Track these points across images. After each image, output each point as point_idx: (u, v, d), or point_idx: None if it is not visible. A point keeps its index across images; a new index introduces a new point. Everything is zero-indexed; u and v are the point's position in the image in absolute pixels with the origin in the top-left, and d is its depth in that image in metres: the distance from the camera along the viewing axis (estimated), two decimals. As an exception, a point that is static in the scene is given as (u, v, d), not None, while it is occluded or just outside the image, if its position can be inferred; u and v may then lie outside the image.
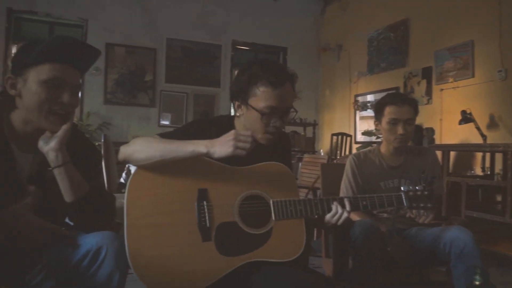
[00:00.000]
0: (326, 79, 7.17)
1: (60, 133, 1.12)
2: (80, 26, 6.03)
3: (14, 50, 5.79)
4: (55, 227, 1.12)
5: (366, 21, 6.10)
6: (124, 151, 1.26)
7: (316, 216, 1.37)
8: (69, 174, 1.13)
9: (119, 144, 4.00)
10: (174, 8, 6.38)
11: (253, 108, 1.30)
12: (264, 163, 1.36)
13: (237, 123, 1.42)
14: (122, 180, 4.70)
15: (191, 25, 6.50)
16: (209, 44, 6.61)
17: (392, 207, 1.48)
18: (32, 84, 1.11)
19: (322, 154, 6.41)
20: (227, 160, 1.31)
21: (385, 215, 1.90)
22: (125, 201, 1.18)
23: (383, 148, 1.99)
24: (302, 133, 6.58)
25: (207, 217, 1.24)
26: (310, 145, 6.52)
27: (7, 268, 1.07)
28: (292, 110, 1.35)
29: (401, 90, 5.32)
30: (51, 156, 1.11)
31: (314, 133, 6.77)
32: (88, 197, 1.16)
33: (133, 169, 4.45)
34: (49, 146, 1.11)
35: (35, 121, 1.14)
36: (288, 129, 6.36)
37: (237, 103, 1.37)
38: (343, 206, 1.36)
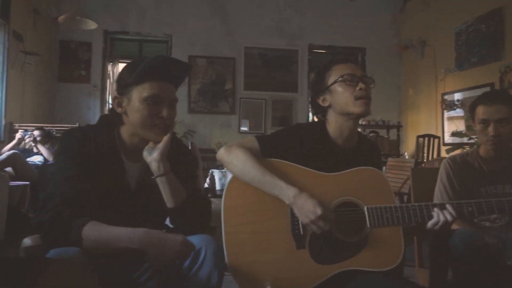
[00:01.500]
0: (408, 78, 6.81)
1: (161, 145, 1.22)
2: (165, 41, 6.47)
3: (109, 68, 6.39)
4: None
5: (453, 14, 5.68)
6: (223, 156, 1.35)
7: (414, 224, 1.31)
8: (170, 182, 1.22)
9: (203, 150, 4.16)
10: (251, 17, 6.55)
11: (334, 82, 1.36)
12: (356, 168, 1.33)
13: (329, 127, 1.42)
14: (206, 185, 4.93)
15: (268, 32, 6.61)
16: (286, 50, 6.67)
17: (502, 213, 1.36)
18: (135, 102, 1.22)
19: (407, 157, 6.09)
20: (319, 166, 1.32)
21: (487, 223, 1.75)
22: (222, 209, 1.25)
23: (482, 151, 1.83)
24: (385, 136, 6.31)
25: (300, 225, 1.25)
26: (394, 148, 6.22)
27: (120, 265, 1.18)
28: (370, 78, 1.39)
29: (497, 86, 4.86)
30: (154, 166, 1.21)
31: (398, 135, 6.45)
32: (186, 203, 1.24)
33: (216, 175, 4.63)
34: (152, 157, 1.21)
35: (140, 134, 1.25)
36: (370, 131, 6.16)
37: (322, 97, 1.41)
38: (445, 213, 1.28)
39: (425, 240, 1.74)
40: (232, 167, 1.32)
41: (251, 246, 1.23)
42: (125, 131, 1.28)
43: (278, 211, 1.27)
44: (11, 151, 4.11)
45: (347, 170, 1.33)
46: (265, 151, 1.36)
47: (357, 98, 1.33)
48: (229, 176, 1.36)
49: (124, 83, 1.24)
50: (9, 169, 3.86)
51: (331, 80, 1.38)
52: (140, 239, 1.06)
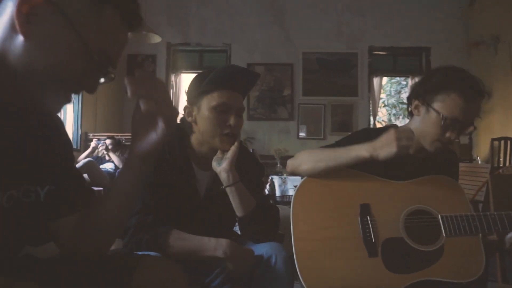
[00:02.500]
0: (480, 77, 6.21)
1: (230, 154, 1.24)
2: (224, 50, 6.63)
3: (172, 78, 6.68)
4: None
5: (531, 5, 5.22)
6: (291, 163, 1.34)
7: (494, 234, 1.21)
8: (239, 191, 1.24)
9: (262, 157, 4.20)
10: (309, 22, 6.51)
11: (436, 111, 1.24)
12: (428, 176, 1.28)
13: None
14: (266, 191, 4.95)
15: (326, 36, 6.53)
16: (345, 53, 6.53)
17: None
18: (204, 111, 1.25)
19: (479, 162, 5.67)
20: (390, 175, 1.27)
21: None
22: (291, 216, 1.25)
23: None
24: (456, 140, 5.91)
25: (372, 232, 1.21)
26: (466, 153, 5.82)
27: (191, 270, 1.21)
28: (472, 126, 1.27)
29: None
30: (224, 176, 1.23)
31: (470, 138, 6.02)
32: (255, 211, 1.25)
33: (276, 181, 4.65)
34: (221, 167, 1.23)
35: (209, 142, 1.28)
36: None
37: (416, 102, 1.31)
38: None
39: (510, 253, 1.60)
40: (304, 166, 1.30)
41: (321, 253, 1.21)
42: (195, 140, 1.32)
43: (348, 218, 1.24)
44: (87, 159, 4.44)
45: (419, 178, 1.28)
46: None
47: (439, 140, 1.29)
48: (289, 182, 1.36)
49: (194, 93, 1.28)
50: (85, 175, 4.16)
51: (437, 105, 1.25)
52: (225, 249, 1.11)
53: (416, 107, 1.31)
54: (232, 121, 1.24)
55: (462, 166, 4.06)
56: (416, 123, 1.31)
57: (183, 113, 1.33)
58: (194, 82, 1.32)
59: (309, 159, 1.29)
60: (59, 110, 0.79)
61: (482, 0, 6.30)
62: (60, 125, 0.89)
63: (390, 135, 1.15)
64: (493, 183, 1.93)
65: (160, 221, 1.15)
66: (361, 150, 1.20)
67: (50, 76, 0.68)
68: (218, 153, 1.28)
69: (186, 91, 1.35)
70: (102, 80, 0.76)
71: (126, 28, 0.74)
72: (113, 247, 1.23)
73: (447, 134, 1.24)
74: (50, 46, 0.67)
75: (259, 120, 6.49)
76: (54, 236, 0.86)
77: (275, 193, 4.97)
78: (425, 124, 1.28)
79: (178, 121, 1.37)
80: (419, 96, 1.29)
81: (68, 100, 0.75)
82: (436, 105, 1.24)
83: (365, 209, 1.24)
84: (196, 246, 1.12)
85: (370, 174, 1.30)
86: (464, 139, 6.01)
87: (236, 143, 1.26)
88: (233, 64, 1.29)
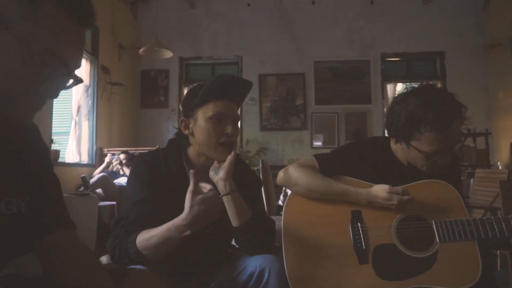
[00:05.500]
0: (497, 79, 6.19)
1: (226, 164, 1.24)
2: (236, 62, 6.69)
3: (185, 92, 6.77)
4: None
5: (546, 5, 5.08)
6: (284, 179, 1.36)
7: (491, 238, 1.16)
8: (236, 200, 1.23)
9: (276, 167, 4.19)
10: (320, 32, 6.51)
11: (417, 149, 1.22)
12: (421, 181, 1.24)
13: (392, 143, 1.33)
14: (280, 202, 4.91)
15: (337, 44, 6.51)
16: (357, 61, 6.49)
17: None
18: (201, 122, 1.26)
19: (500, 167, 5.48)
20: (382, 180, 1.24)
21: None
22: (282, 224, 1.23)
23: None
24: (472, 145, 5.75)
25: (362, 239, 1.18)
26: (484, 158, 5.64)
27: (188, 283, 1.21)
28: (460, 142, 1.24)
29: None
30: (221, 185, 1.23)
31: (486, 143, 5.85)
32: (251, 222, 1.24)
33: (290, 192, 4.54)
34: (218, 176, 1.24)
35: (206, 153, 1.29)
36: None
37: (393, 140, 1.31)
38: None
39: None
40: (298, 188, 1.32)
41: (312, 261, 1.19)
42: (192, 152, 1.33)
43: (339, 225, 1.22)
44: (101, 174, 4.52)
45: (412, 183, 1.25)
46: (325, 169, 1.33)
47: (433, 167, 1.29)
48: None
49: (189, 106, 1.29)
50: (99, 190, 4.23)
51: (415, 143, 1.23)
52: (187, 225, 1.09)
53: (397, 142, 1.29)
54: (229, 129, 1.25)
55: (479, 172, 3.93)
56: (405, 152, 1.30)
57: (179, 126, 1.35)
58: (189, 95, 1.33)
59: (304, 184, 1.30)
60: (31, 117, 0.76)
61: (496, 2, 6.17)
62: (35, 131, 0.88)
63: (383, 187, 1.19)
64: (503, 190, 1.87)
65: (134, 230, 1.15)
66: (359, 198, 1.23)
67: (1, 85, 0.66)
68: (215, 163, 1.28)
69: (181, 105, 1.37)
70: (69, 83, 0.73)
71: (76, 24, 0.70)
72: (106, 261, 1.25)
73: (438, 162, 1.22)
74: None
75: (272, 130, 6.49)
76: (37, 252, 0.86)
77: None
78: (411, 156, 1.27)
79: (175, 135, 1.38)
80: (395, 136, 1.28)
81: (37, 108, 0.73)
82: (414, 143, 1.22)
83: (356, 216, 1.22)
84: (164, 237, 1.10)
85: (362, 179, 1.28)
86: (480, 144, 5.84)
87: (232, 153, 1.26)
88: (226, 74, 1.29)
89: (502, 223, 1.14)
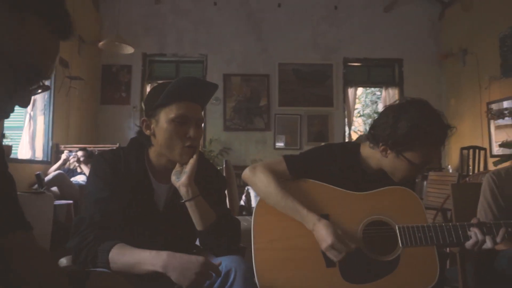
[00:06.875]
0: (450, 87, 6.55)
1: (188, 168, 1.22)
2: (201, 61, 6.63)
3: (148, 89, 6.61)
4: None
5: (496, 19, 5.43)
6: (248, 178, 1.37)
7: (449, 244, 1.23)
8: (199, 206, 1.23)
9: (239, 167, 4.18)
10: (286, 34, 6.59)
11: (408, 160, 1.27)
12: (386, 187, 1.30)
13: (363, 149, 1.38)
14: (242, 202, 4.92)
15: (302, 48, 6.62)
16: (320, 64, 6.63)
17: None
18: (163, 123, 1.23)
19: (450, 171, 5.80)
20: (349, 186, 1.29)
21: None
22: (252, 226, 1.24)
23: (530, 164, 1.71)
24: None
25: (329, 243, 1.22)
26: (436, 162, 5.96)
27: (152, 285, 1.19)
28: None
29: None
30: (183, 191, 1.22)
31: (439, 147, 6.17)
32: (215, 225, 1.24)
33: (252, 192, 4.59)
34: (180, 182, 1.22)
35: (167, 155, 1.26)
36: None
37: (383, 147, 1.31)
38: (484, 233, 1.19)
39: (469, 260, 1.63)
40: (257, 189, 1.34)
41: (280, 263, 1.21)
42: (153, 153, 1.30)
43: (307, 229, 1.24)
44: (57, 172, 4.32)
45: (377, 189, 1.30)
46: (294, 171, 1.35)
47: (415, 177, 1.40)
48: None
49: (152, 106, 1.26)
50: (54, 188, 4.05)
51: (408, 154, 1.28)
52: (163, 262, 1.06)
53: (384, 150, 1.31)
54: (192, 132, 1.23)
55: (432, 175, 4.14)
56: (384, 160, 1.33)
57: (140, 126, 1.32)
58: (151, 94, 1.30)
59: (262, 188, 1.33)
60: None
61: (450, 14, 6.53)
62: None
63: (325, 241, 1.18)
64: (454, 192, 1.97)
65: (105, 237, 1.12)
66: (307, 222, 1.24)
67: None
68: (177, 166, 1.26)
69: (143, 104, 1.34)
70: (38, 91, 0.72)
71: (55, 36, 0.69)
72: (66, 263, 1.21)
73: (420, 173, 1.28)
74: None
75: (236, 130, 6.49)
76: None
77: (251, 204, 4.94)
78: (394, 165, 1.31)
79: (136, 134, 1.35)
80: (386, 143, 1.29)
81: (5, 116, 0.71)
82: (408, 154, 1.26)
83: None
84: (135, 261, 1.07)
85: (330, 184, 1.31)
86: (435, 149, 6.14)
87: (195, 156, 1.25)
88: (190, 76, 1.28)
89: (459, 229, 1.21)
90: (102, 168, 1.24)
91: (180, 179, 1.22)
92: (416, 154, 1.25)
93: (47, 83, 0.73)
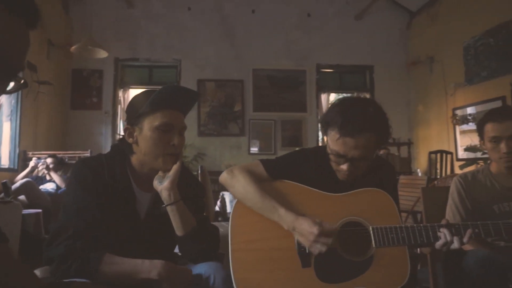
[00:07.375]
0: (418, 94, 6.78)
1: (171, 173, 1.23)
2: (174, 66, 6.59)
3: (120, 94, 6.50)
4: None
5: (460, 29, 5.68)
6: (226, 181, 1.39)
7: (420, 244, 1.29)
8: (180, 210, 1.23)
9: (213, 173, 4.15)
10: (259, 40, 6.65)
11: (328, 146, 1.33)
12: (362, 189, 1.33)
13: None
14: (217, 208, 4.90)
15: (275, 54, 6.69)
16: (294, 70, 6.72)
17: (509, 236, 1.32)
18: (146, 131, 1.24)
19: (419, 174, 5.99)
20: (325, 187, 1.32)
21: (502, 243, 1.69)
22: (229, 227, 1.26)
23: (493, 168, 1.80)
24: (396, 153, 6.24)
25: (305, 244, 1.24)
26: (406, 166, 6.14)
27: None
28: (364, 161, 1.30)
29: (508, 100, 4.79)
30: (165, 195, 1.22)
31: (409, 152, 6.38)
32: (195, 231, 1.24)
33: (227, 197, 4.58)
34: (163, 186, 1.22)
35: (150, 163, 1.26)
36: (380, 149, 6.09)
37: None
38: (452, 234, 1.25)
39: (439, 260, 1.70)
40: (234, 191, 1.35)
41: (256, 264, 1.24)
42: (135, 161, 1.30)
43: (284, 229, 1.27)
44: (25, 179, 4.18)
45: (352, 191, 1.33)
46: (271, 172, 1.38)
47: (337, 171, 1.38)
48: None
49: (135, 114, 1.26)
50: (22, 197, 3.91)
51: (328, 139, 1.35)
52: (159, 270, 1.08)
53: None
54: (175, 140, 1.24)
55: (403, 178, 4.27)
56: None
57: (123, 134, 1.31)
58: (134, 102, 1.30)
59: (240, 189, 1.34)
60: None
61: (417, 23, 6.78)
62: None
63: (313, 231, 1.19)
64: (424, 196, 2.04)
65: (92, 246, 1.11)
66: (285, 221, 1.25)
67: None
68: (160, 173, 1.26)
69: (126, 112, 1.33)
70: (10, 86, 0.69)
71: (22, 25, 0.66)
72: (39, 274, 1.17)
73: (340, 167, 1.31)
74: None
75: (210, 136, 6.48)
76: None
77: (226, 210, 4.93)
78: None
79: (118, 141, 1.34)
80: (322, 128, 1.38)
81: None
82: (326, 139, 1.34)
83: (300, 221, 1.27)
84: (130, 269, 1.09)
85: (307, 186, 1.34)
86: (403, 153, 6.35)
87: (178, 162, 1.25)
88: (173, 84, 1.29)
89: (429, 230, 1.26)
90: (84, 175, 1.22)
91: (162, 184, 1.23)
92: (329, 139, 1.30)
93: (11, 84, 0.69)
